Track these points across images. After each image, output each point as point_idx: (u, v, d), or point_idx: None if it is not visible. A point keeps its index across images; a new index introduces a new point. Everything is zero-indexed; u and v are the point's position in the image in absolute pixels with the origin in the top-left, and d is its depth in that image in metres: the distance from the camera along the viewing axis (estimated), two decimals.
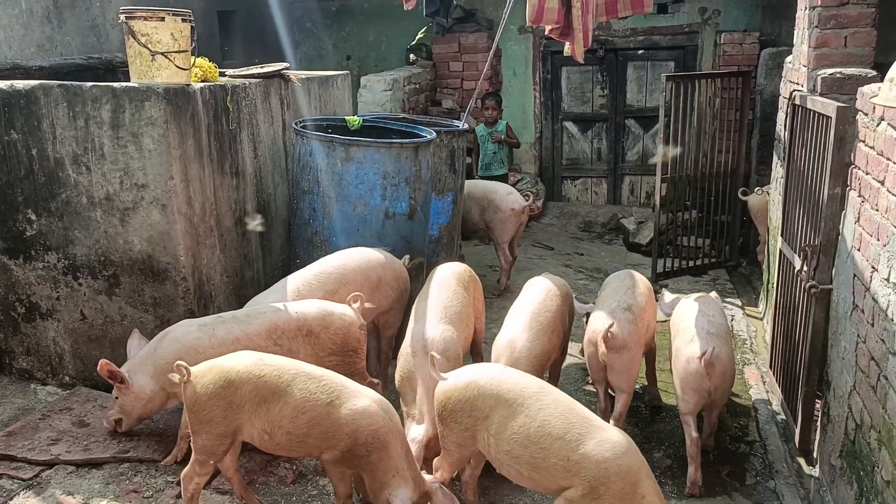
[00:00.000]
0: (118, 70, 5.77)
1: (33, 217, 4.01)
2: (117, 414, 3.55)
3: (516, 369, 3.26)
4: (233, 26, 8.31)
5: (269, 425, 2.90)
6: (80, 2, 5.99)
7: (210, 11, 7.79)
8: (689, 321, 3.85)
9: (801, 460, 3.92)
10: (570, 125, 8.87)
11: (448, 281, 3.87)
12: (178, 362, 2.94)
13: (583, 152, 8.91)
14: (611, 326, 3.59)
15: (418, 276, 4.54)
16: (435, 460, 3.24)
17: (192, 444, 3.05)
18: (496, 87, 8.64)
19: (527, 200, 5.96)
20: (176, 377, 2.94)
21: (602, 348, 3.65)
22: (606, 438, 2.74)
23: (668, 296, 4.32)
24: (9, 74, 4.79)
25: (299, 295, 3.78)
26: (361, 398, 2.95)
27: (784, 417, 4.28)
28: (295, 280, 3.89)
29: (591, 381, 4.27)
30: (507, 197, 5.93)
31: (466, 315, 3.80)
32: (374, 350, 4.30)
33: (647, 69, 8.50)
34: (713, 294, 4.25)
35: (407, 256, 4.33)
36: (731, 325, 5.54)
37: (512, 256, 6.08)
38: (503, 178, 7.78)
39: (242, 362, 2.96)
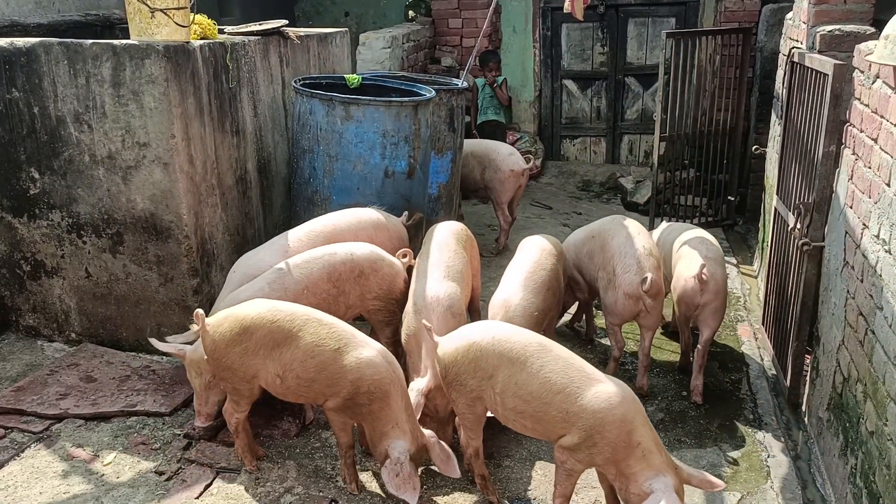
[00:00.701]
0: (116, 27, 5.76)
1: (36, 175, 4.05)
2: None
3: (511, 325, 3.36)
4: None
5: (281, 369, 2.99)
6: None
7: None
8: (687, 248, 4.26)
9: (790, 414, 4.02)
10: (569, 83, 8.83)
11: (447, 241, 3.92)
12: (197, 310, 3.03)
13: (582, 111, 8.89)
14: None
15: (418, 233, 4.59)
16: (462, 439, 3.28)
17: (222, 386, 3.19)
18: (495, 44, 8.58)
19: (527, 163, 5.98)
20: (195, 327, 3.04)
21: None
22: (603, 390, 2.83)
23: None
24: (7, 32, 4.78)
25: (290, 252, 3.79)
26: (367, 348, 3.03)
27: (775, 372, 4.38)
28: (286, 238, 3.93)
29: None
30: (508, 158, 5.96)
31: (466, 274, 3.86)
32: None
33: (647, 26, 8.42)
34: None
35: (406, 213, 4.37)
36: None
37: (511, 217, 6.13)
38: (498, 125, 7.83)
39: (256, 309, 3.04)
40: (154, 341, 3.48)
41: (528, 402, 2.89)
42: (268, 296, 3.40)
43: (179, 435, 3.55)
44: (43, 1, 5.61)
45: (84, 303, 4.23)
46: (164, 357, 4.10)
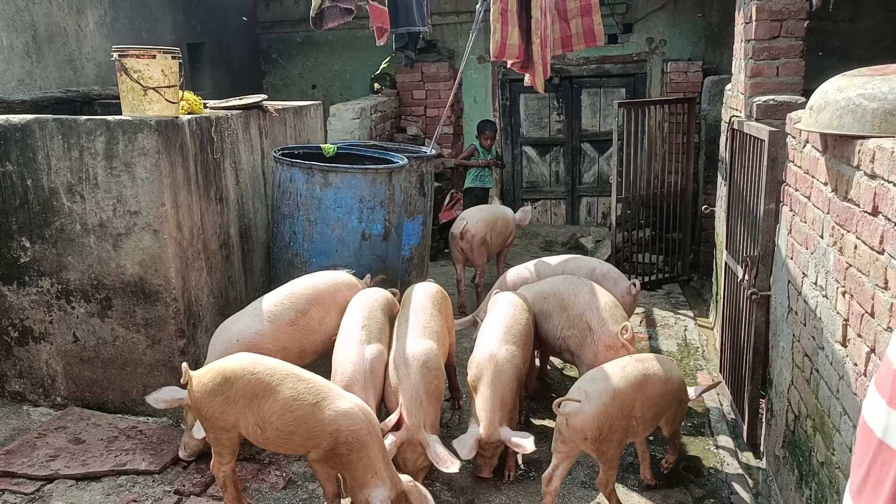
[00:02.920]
0: (94, 102, 6.00)
1: (27, 244, 4.21)
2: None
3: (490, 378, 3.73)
4: (202, 58, 8.56)
5: (260, 420, 3.14)
6: (57, 37, 6.20)
7: (180, 43, 8.03)
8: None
9: (749, 454, 4.29)
10: (528, 149, 9.29)
11: (423, 302, 4.07)
12: (184, 364, 3.21)
13: (542, 175, 9.33)
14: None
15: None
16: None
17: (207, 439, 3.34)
18: (457, 113, 9.03)
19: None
20: (182, 380, 3.20)
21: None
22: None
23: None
24: None
25: (272, 315, 3.91)
26: (343, 401, 3.20)
27: (733, 416, 4.66)
28: (268, 301, 4.01)
29: None
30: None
31: (443, 333, 4.03)
32: None
33: (600, 95, 8.97)
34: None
35: (368, 276, 4.51)
36: (685, 335, 5.94)
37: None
38: (486, 192, 8.22)
39: (238, 361, 3.22)
40: (150, 399, 3.67)
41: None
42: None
43: (170, 491, 3.66)
44: (25, 79, 5.85)
45: (71, 367, 4.35)
46: (150, 418, 4.22)
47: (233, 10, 9.07)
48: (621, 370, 3.62)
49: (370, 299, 4.05)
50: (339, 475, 3.35)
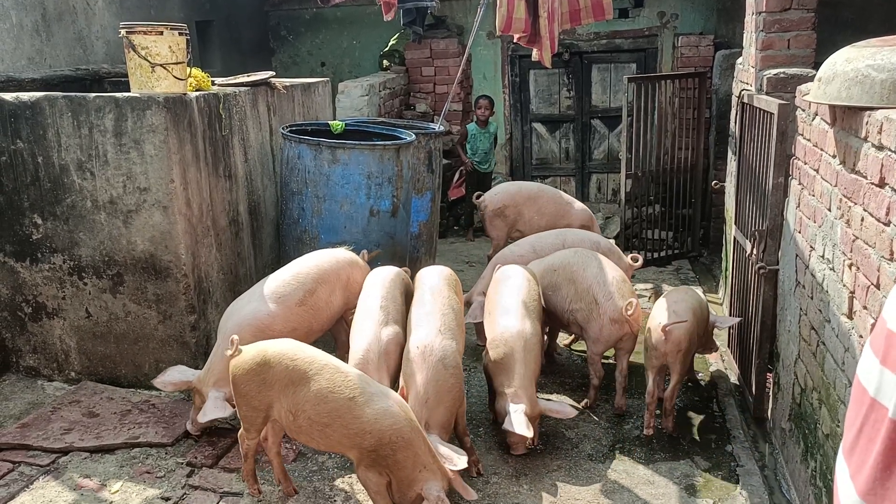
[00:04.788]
0: (104, 80, 6.02)
1: (39, 221, 4.26)
2: None
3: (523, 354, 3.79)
4: (210, 36, 8.54)
5: (293, 406, 3.13)
6: (66, 15, 6.21)
7: (189, 21, 8.00)
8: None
9: (756, 428, 4.30)
10: (538, 126, 9.25)
11: (442, 290, 3.96)
12: (233, 336, 3.25)
13: (551, 152, 9.29)
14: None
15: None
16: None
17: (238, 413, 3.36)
18: (467, 90, 8.99)
19: None
20: (229, 351, 3.23)
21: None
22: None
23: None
24: (3, 86, 5.02)
25: (281, 297, 3.90)
26: (383, 398, 3.10)
27: (741, 390, 4.67)
28: (274, 282, 3.98)
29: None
30: None
31: (461, 321, 3.93)
32: (343, 345, 4.28)
33: (610, 71, 8.90)
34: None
35: (364, 251, 4.46)
36: None
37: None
38: (487, 175, 8.18)
39: (280, 346, 3.23)
40: (157, 383, 3.79)
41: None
42: None
43: (182, 463, 3.73)
44: (35, 57, 5.87)
45: (84, 342, 4.41)
46: (163, 392, 4.28)
47: None
48: (690, 292, 4.45)
49: (387, 279, 4.01)
50: (388, 482, 3.17)
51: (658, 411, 4.23)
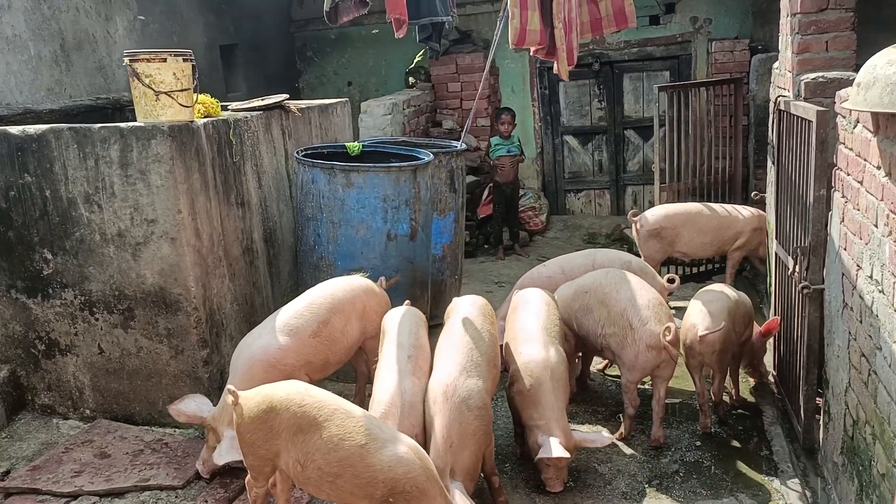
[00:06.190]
0: (126, 109, 5.97)
1: (49, 256, 4.17)
2: None
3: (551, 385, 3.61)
4: (235, 59, 8.52)
5: (302, 456, 2.91)
6: (86, 44, 6.19)
7: (213, 46, 8.00)
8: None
9: (806, 460, 3.98)
10: (570, 139, 9.00)
11: (472, 318, 3.76)
12: (228, 386, 3.07)
13: (584, 165, 9.03)
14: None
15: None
16: None
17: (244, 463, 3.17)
18: (495, 104, 8.80)
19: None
20: (230, 399, 3.04)
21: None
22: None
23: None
24: (20, 119, 4.98)
25: (294, 329, 3.74)
26: (398, 444, 2.89)
27: (789, 418, 4.35)
28: (286, 313, 3.83)
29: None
30: None
31: (491, 355, 3.67)
32: (363, 376, 4.28)
33: (642, 80, 8.62)
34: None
35: (382, 278, 4.28)
36: None
37: None
38: (517, 189, 7.99)
39: (287, 390, 3.02)
40: (172, 411, 3.64)
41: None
42: None
43: None
44: (55, 88, 5.85)
45: (98, 379, 4.30)
46: (176, 429, 4.14)
47: (266, 9, 9.00)
48: (726, 290, 4.46)
49: (413, 323, 3.76)
50: None
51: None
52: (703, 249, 5.95)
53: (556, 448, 3.42)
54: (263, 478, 3.14)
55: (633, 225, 5.90)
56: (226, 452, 3.51)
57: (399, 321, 3.76)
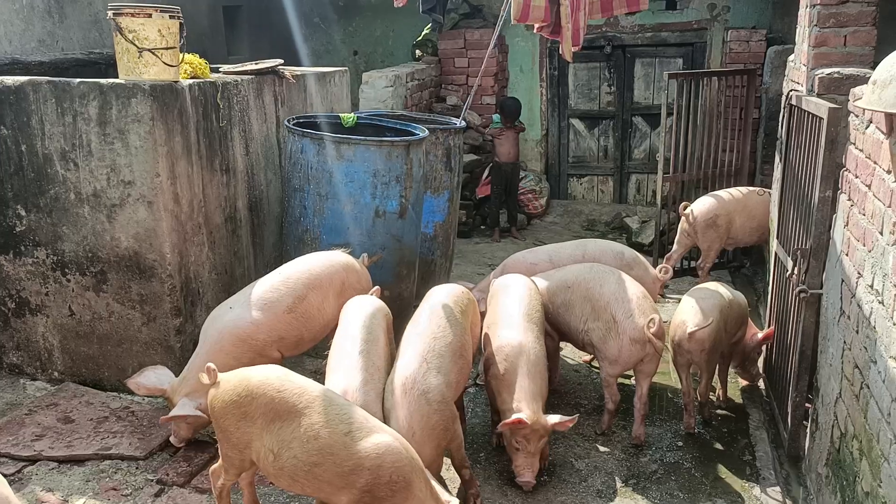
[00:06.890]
0: None
1: (23, 212, 4.03)
2: None
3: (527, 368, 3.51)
4: (239, 21, 8.30)
5: (276, 444, 2.76)
6: None
7: (216, 6, 7.80)
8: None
9: (790, 468, 3.86)
10: (576, 122, 8.79)
11: (443, 307, 3.56)
12: (209, 364, 2.91)
13: (589, 150, 8.83)
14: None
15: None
16: None
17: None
18: (502, 83, 8.59)
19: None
20: (205, 378, 2.89)
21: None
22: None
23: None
24: (7, 70, 4.82)
25: (268, 303, 3.61)
26: (384, 434, 2.77)
27: (775, 423, 4.22)
28: (261, 287, 3.70)
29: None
30: None
31: (458, 347, 3.45)
32: None
33: (654, 66, 8.39)
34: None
35: (365, 255, 4.13)
36: None
37: None
38: (517, 171, 7.81)
39: (266, 374, 2.87)
40: (131, 384, 3.49)
41: None
42: None
43: (152, 480, 3.46)
44: (46, 40, 5.67)
45: (67, 341, 4.18)
46: (144, 398, 4.02)
47: None
48: (718, 288, 4.30)
49: (370, 314, 3.51)
50: None
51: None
52: (749, 235, 5.83)
53: (520, 414, 3.35)
54: (234, 470, 2.97)
55: (686, 218, 5.75)
56: (174, 411, 3.45)
57: (355, 311, 3.54)
